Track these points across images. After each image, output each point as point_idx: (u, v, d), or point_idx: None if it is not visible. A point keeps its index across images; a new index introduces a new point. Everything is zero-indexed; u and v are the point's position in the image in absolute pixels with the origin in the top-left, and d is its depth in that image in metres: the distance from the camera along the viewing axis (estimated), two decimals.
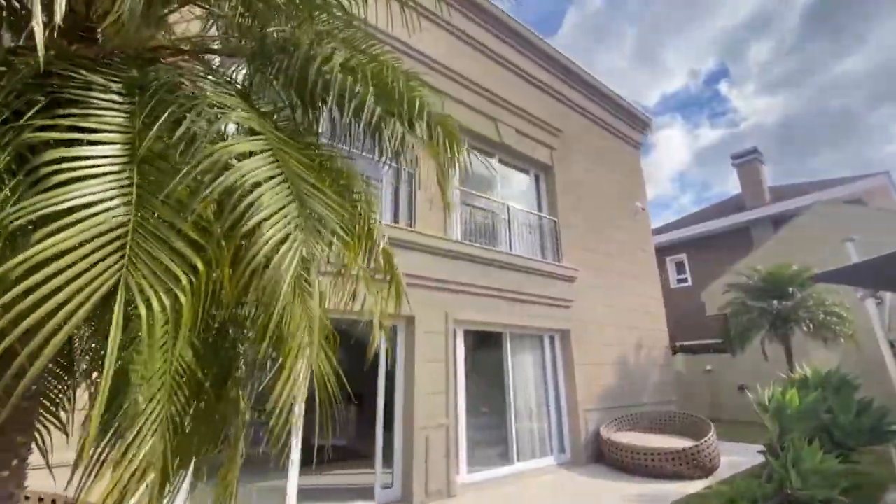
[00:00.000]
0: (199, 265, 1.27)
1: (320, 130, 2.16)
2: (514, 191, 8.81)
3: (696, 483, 6.20)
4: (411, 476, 5.51)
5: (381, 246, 2.16)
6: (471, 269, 6.93)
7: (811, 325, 8.28)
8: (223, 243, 1.37)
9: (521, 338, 7.78)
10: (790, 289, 8.73)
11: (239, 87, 2.07)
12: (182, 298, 1.19)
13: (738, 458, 7.27)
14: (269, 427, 1.29)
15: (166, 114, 1.43)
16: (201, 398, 1.78)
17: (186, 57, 2.05)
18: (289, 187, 1.37)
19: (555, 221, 8.82)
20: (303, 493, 5.08)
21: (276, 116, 2.08)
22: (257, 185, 1.31)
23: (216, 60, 2.34)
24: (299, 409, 4.82)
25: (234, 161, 1.38)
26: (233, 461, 1.80)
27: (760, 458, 5.98)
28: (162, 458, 1.25)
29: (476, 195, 7.81)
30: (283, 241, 1.27)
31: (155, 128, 1.38)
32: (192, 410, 1.74)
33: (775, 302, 8.59)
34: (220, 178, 1.29)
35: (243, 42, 2.11)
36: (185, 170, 1.28)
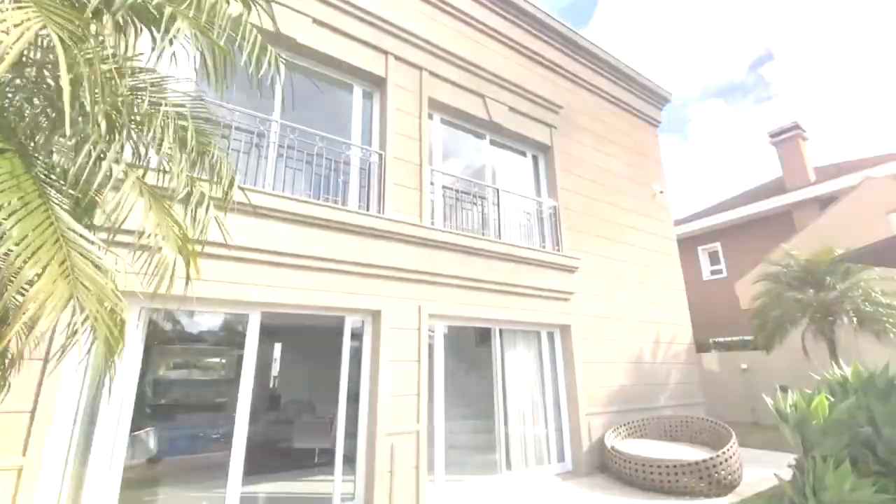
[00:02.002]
0: None
1: None
2: (508, 173, 8.07)
3: (710, 502, 5.34)
4: (374, 487, 4.95)
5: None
6: (452, 258, 6.28)
7: (855, 318, 7.08)
8: None
9: (514, 334, 7.05)
10: (827, 278, 7.51)
11: None
12: None
13: (767, 472, 6.27)
14: None
15: None
16: None
17: None
18: None
19: (554, 206, 8.01)
20: (253, 502, 4.66)
21: None
22: None
23: None
24: (244, 407, 4.29)
25: None
26: None
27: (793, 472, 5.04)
28: None
29: (456, 177, 7.15)
30: None
31: None
32: None
33: (811, 291, 7.43)
34: None
35: None
36: None
